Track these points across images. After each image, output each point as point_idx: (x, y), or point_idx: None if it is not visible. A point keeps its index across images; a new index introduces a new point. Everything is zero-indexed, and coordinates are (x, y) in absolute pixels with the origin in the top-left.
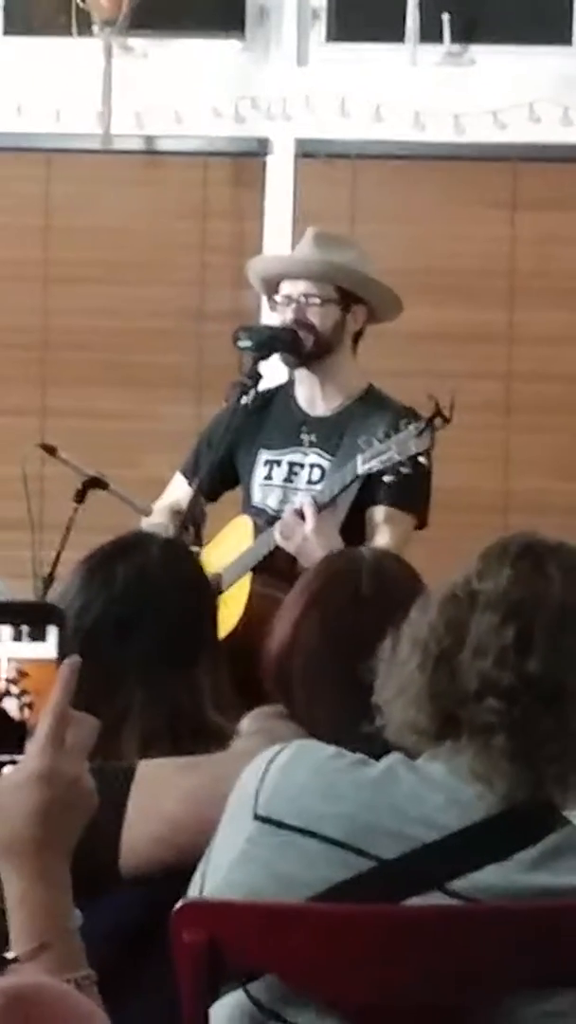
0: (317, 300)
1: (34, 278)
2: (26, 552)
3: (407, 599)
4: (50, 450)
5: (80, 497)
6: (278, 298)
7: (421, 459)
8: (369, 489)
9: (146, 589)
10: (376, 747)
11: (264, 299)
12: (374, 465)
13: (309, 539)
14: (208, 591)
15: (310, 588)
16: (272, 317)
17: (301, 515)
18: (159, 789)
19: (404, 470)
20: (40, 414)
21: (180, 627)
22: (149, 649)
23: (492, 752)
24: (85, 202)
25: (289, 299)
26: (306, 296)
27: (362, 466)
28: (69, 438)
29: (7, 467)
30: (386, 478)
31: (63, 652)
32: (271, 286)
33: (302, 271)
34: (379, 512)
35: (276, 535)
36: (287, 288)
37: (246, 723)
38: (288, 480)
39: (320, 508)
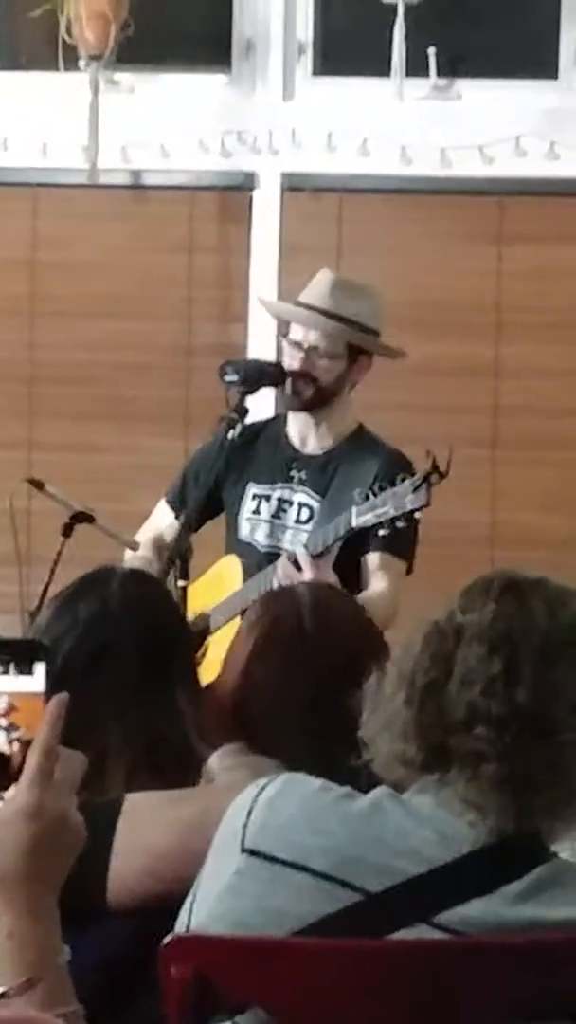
0: (326, 357)
1: (20, 312)
2: (13, 587)
3: (350, 629)
4: (37, 484)
5: (67, 531)
6: (287, 341)
7: (417, 515)
8: (360, 536)
9: (108, 623)
10: (362, 781)
11: (250, 334)
12: (369, 519)
13: None
14: (177, 619)
15: (257, 631)
16: (265, 344)
17: (297, 565)
18: (146, 821)
19: (400, 524)
20: (27, 448)
21: (149, 657)
22: (120, 682)
23: (482, 780)
24: (71, 236)
25: (298, 347)
26: (315, 349)
27: (356, 519)
28: (56, 472)
29: None
30: (381, 532)
31: (50, 686)
32: (283, 323)
33: (315, 325)
34: (374, 558)
35: (274, 585)
36: (297, 334)
37: (214, 761)
38: (276, 516)
39: (314, 557)
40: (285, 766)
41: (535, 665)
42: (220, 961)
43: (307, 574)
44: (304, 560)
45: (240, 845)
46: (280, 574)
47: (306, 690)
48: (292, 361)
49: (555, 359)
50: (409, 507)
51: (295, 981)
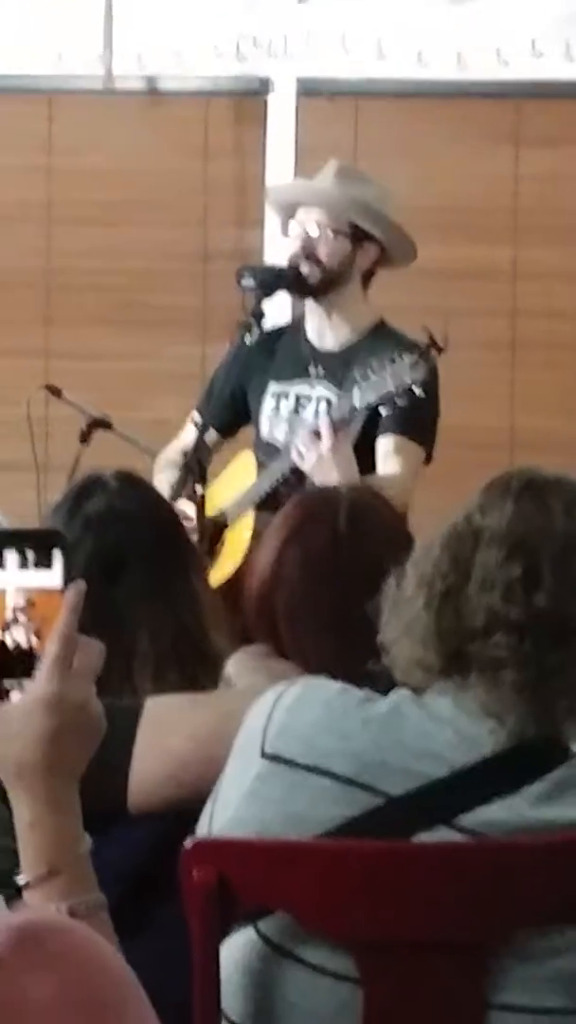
0: (329, 232)
1: (37, 219)
2: (31, 493)
3: (386, 534)
4: (55, 391)
5: (85, 438)
6: (291, 226)
7: (415, 390)
8: (371, 427)
9: (121, 520)
10: (381, 685)
11: (266, 238)
12: (370, 397)
13: (325, 458)
14: (172, 508)
15: (288, 525)
16: (281, 249)
17: (317, 434)
18: (166, 726)
19: (399, 401)
20: (44, 355)
21: (166, 547)
22: (142, 578)
23: (502, 688)
24: (87, 143)
25: (301, 227)
26: (318, 225)
27: (359, 398)
28: (73, 379)
29: (12, 408)
30: (383, 411)
31: (68, 578)
32: (288, 213)
33: (317, 199)
34: (387, 441)
35: (293, 454)
36: (301, 215)
37: (232, 665)
38: (295, 412)
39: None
40: (307, 667)
41: (554, 568)
42: (241, 865)
43: (326, 444)
44: (325, 430)
45: (260, 750)
46: (299, 439)
47: (329, 590)
48: (295, 242)
49: (573, 261)
50: (408, 382)
51: (317, 884)
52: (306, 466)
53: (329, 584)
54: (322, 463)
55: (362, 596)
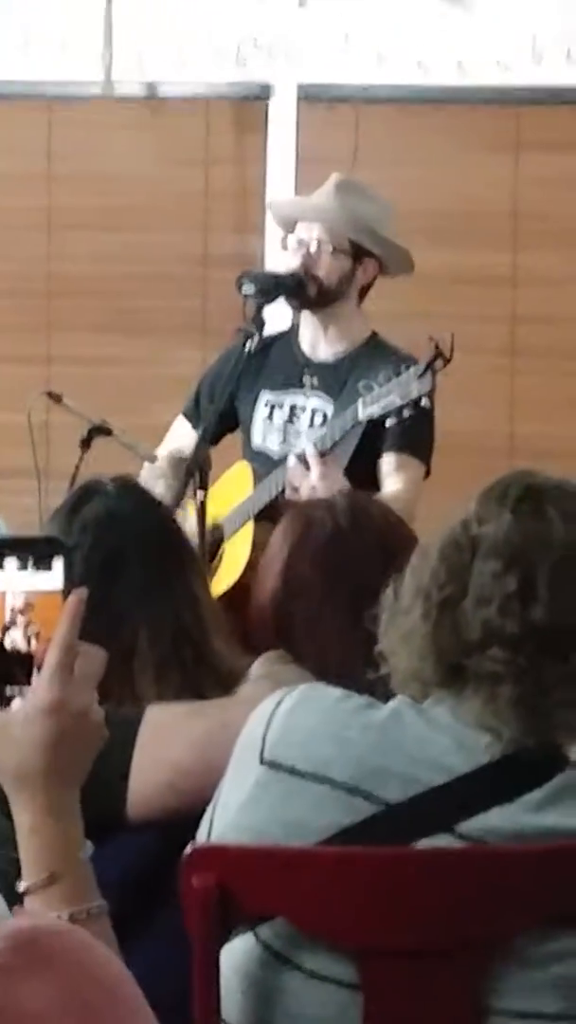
0: (329, 248)
1: (37, 225)
2: (32, 499)
3: (385, 527)
4: (56, 398)
5: (86, 445)
6: (291, 240)
7: (423, 402)
8: (374, 437)
9: (118, 523)
10: (379, 694)
11: (267, 244)
12: (375, 410)
13: (316, 487)
14: (169, 511)
15: (292, 534)
16: (281, 258)
17: (306, 464)
18: (166, 735)
19: (407, 413)
20: (45, 362)
21: (163, 548)
22: (140, 579)
23: (499, 702)
24: (87, 148)
25: (301, 243)
26: (318, 243)
27: (363, 411)
28: (74, 386)
29: (13, 415)
30: (388, 423)
31: (69, 583)
32: (288, 228)
33: (318, 216)
34: (389, 460)
35: (283, 486)
36: (301, 231)
37: (255, 668)
38: (289, 422)
39: (322, 454)
40: (329, 668)
41: (551, 581)
42: (242, 871)
43: (314, 472)
44: (312, 458)
45: (259, 757)
46: (289, 474)
47: (342, 589)
48: (295, 258)
49: (572, 267)
50: (415, 394)
51: (317, 891)
52: (298, 497)
53: (340, 582)
54: (314, 492)
55: (374, 587)
